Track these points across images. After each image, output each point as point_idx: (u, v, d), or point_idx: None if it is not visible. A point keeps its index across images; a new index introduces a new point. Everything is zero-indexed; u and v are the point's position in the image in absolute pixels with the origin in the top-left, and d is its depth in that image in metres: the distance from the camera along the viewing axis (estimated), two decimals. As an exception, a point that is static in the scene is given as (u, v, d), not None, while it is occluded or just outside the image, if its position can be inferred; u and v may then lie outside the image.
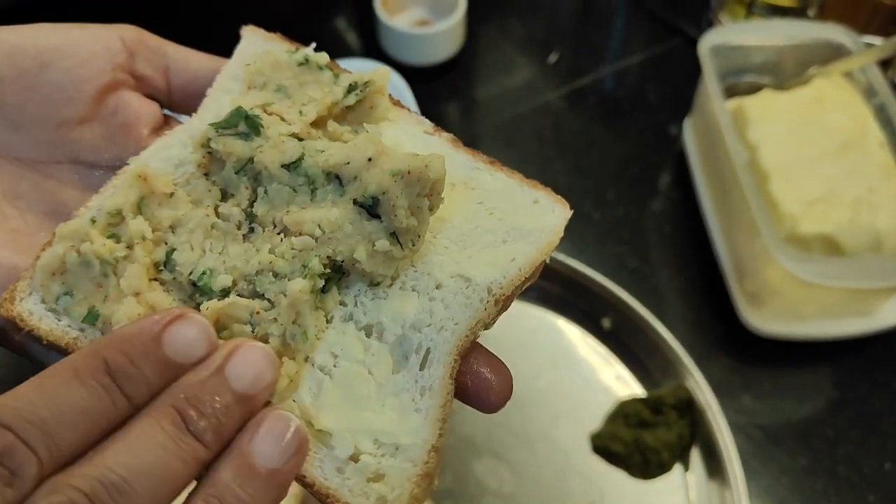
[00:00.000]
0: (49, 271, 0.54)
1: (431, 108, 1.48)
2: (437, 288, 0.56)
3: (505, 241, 0.59)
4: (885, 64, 1.35)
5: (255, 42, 0.69)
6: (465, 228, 0.60)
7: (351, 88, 0.63)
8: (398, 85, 1.37)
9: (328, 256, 0.55)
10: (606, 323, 1.19)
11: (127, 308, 0.52)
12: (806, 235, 1.09)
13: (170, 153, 0.60)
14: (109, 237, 0.54)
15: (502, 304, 0.57)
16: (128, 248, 0.54)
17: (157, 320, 0.45)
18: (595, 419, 1.12)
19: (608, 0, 1.68)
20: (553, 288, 1.22)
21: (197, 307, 0.54)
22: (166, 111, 0.67)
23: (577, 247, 1.31)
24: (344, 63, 1.38)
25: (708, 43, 1.26)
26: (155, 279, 0.55)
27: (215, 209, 0.58)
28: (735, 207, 1.20)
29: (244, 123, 0.58)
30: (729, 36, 1.29)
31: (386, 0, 1.51)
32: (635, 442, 1.08)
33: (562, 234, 0.60)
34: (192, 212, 0.57)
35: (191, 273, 0.55)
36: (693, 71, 1.42)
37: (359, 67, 1.38)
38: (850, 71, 1.24)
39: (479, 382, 0.57)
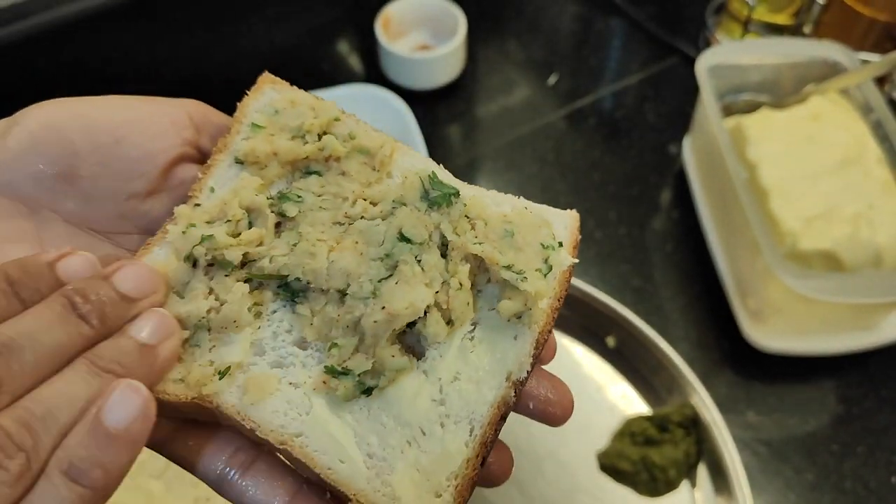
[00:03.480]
0: None
1: (433, 131, 1.50)
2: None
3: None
4: (881, 80, 1.36)
5: (269, 95, 0.68)
6: None
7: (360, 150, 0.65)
8: (400, 109, 1.39)
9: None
10: (611, 341, 1.20)
11: None
12: (806, 252, 1.10)
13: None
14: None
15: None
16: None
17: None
18: (601, 438, 1.13)
19: (606, 21, 1.71)
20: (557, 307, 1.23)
21: None
22: None
23: (581, 266, 1.32)
24: (346, 89, 1.41)
25: (705, 62, 1.27)
26: None
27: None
28: (736, 225, 1.21)
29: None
30: (726, 55, 1.30)
31: (387, 26, 1.53)
32: (642, 460, 1.08)
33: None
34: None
35: None
36: (691, 90, 1.44)
37: (361, 93, 1.41)
38: (847, 88, 1.25)
39: (541, 401, 0.63)
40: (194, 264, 0.58)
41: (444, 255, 0.61)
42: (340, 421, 0.57)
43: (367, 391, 0.58)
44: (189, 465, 0.59)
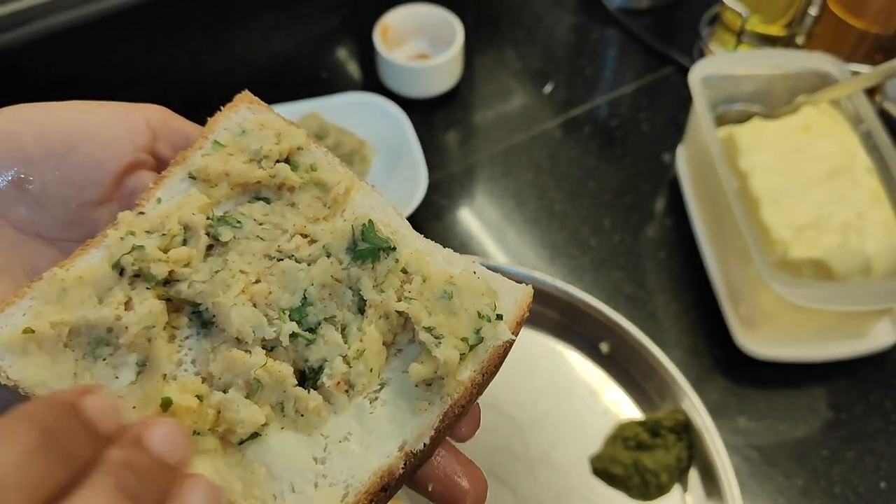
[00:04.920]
0: None
1: (430, 138, 1.52)
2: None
3: None
4: (871, 92, 1.38)
5: (242, 114, 0.66)
6: None
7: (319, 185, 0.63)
8: (398, 117, 1.40)
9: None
10: (605, 347, 1.21)
11: None
12: (797, 260, 1.12)
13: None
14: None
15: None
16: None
17: (65, 392, 0.44)
18: (594, 442, 1.15)
19: (601, 31, 1.73)
20: (551, 313, 1.24)
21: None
22: None
23: (575, 273, 1.34)
24: (344, 97, 1.43)
25: (698, 73, 1.29)
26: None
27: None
28: (727, 234, 1.23)
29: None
30: (719, 66, 1.32)
31: (385, 34, 1.55)
32: (634, 464, 1.10)
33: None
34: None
35: None
36: (685, 99, 1.46)
37: (359, 101, 1.43)
38: (838, 99, 1.27)
39: (456, 491, 0.59)
40: (121, 272, 0.56)
41: (362, 311, 0.58)
42: (209, 461, 0.53)
43: (240, 441, 0.55)
44: None
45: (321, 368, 0.57)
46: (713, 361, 1.24)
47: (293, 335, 0.56)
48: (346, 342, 0.58)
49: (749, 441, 1.17)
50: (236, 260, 0.59)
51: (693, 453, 1.11)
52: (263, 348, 0.56)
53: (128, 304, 0.55)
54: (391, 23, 1.56)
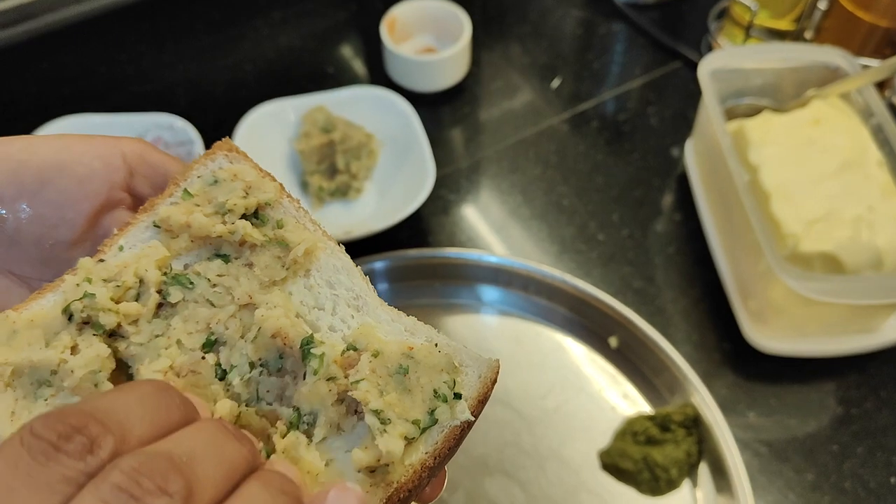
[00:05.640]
0: None
1: (437, 133, 1.51)
2: None
3: None
4: (881, 85, 1.38)
5: (219, 162, 0.64)
6: None
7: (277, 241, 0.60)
8: (405, 111, 1.40)
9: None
10: (613, 342, 1.21)
11: None
12: (808, 254, 1.12)
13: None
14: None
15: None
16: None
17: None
18: (604, 437, 1.14)
19: (609, 26, 1.72)
20: (561, 308, 1.24)
21: None
22: None
23: (583, 268, 1.33)
24: (352, 91, 1.43)
25: (707, 67, 1.29)
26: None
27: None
28: (737, 228, 1.22)
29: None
30: (728, 59, 1.32)
31: (392, 28, 1.55)
32: (644, 459, 1.09)
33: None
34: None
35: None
36: (693, 94, 1.45)
37: (367, 95, 1.43)
38: (848, 92, 1.27)
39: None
40: (70, 318, 0.54)
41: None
42: None
43: None
44: None
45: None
46: (722, 356, 1.24)
47: None
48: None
49: (759, 436, 1.17)
50: (178, 327, 0.57)
51: (703, 448, 1.11)
52: None
53: (74, 349, 0.54)
54: (398, 17, 1.56)
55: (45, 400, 0.53)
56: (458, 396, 0.54)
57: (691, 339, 1.26)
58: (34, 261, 0.60)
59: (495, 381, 0.56)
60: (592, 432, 1.15)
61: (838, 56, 1.29)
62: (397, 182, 1.37)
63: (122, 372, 0.56)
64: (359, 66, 1.66)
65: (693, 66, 1.52)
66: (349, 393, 0.53)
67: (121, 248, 0.59)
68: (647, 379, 1.19)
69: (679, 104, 1.57)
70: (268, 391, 0.56)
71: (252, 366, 0.56)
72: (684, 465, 1.09)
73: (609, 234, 1.39)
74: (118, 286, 0.56)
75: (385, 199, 1.38)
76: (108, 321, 0.54)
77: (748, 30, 1.49)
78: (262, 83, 1.62)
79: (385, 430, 0.51)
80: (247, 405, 0.55)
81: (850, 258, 1.11)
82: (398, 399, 0.53)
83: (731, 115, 1.33)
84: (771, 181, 1.18)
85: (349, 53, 1.69)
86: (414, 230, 1.37)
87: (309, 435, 0.54)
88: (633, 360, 1.20)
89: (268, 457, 0.53)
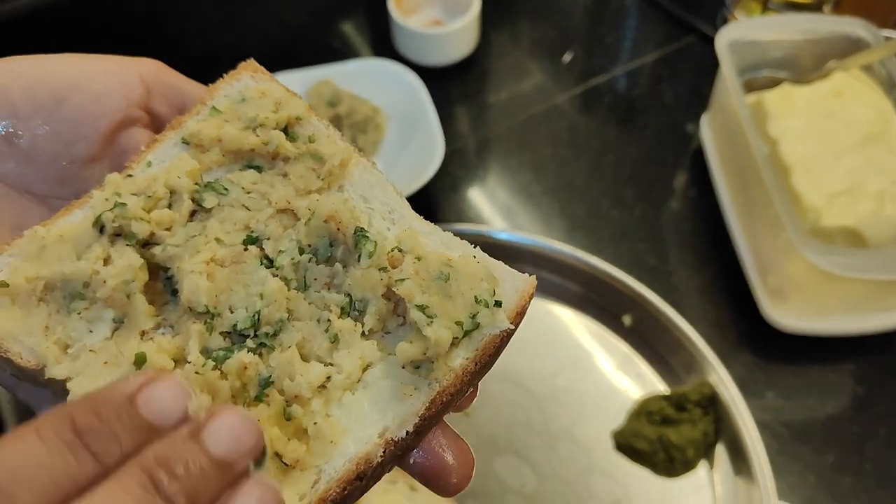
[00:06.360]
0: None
1: (445, 110, 1.48)
2: None
3: None
4: (903, 58, 1.34)
5: (245, 82, 0.64)
6: None
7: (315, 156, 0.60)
8: (413, 84, 1.37)
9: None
10: (627, 320, 1.17)
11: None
12: (829, 228, 1.08)
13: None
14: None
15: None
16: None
17: (133, 381, 0.41)
18: (617, 417, 1.11)
19: None
20: (573, 286, 1.21)
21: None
22: None
23: (596, 246, 1.30)
24: (360, 63, 1.39)
25: (725, 38, 1.25)
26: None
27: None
28: (756, 202, 1.19)
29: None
30: (746, 31, 1.28)
31: (400, 1, 1.51)
32: (659, 439, 1.06)
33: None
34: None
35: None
36: (708, 68, 1.42)
37: (375, 67, 1.39)
38: (870, 64, 1.23)
39: (440, 465, 0.54)
40: (101, 230, 0.55)
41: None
42: None
43: None
44: None
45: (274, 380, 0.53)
46: (739, 335, 1.20)
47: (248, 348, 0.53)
48: (316, 343, 0.54)
49: (778, 417, 1.13)
50: (215, 227, 0.57)
51: (720, 428, 1.07)
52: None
53: (106, 261, 0.54)
54: (406, -10, 1.52)
55: (79, 313, 0.53)
56: (498, 304, 0.54)
57: (708, 317, 1.22)
58: (51, 179, 0.60)
59: (532, 295, 0.56)
60: (605, 412, 1.12)
61: (860, 27, 1.25)
62: (404, 157, 1.34)
63: (156, 282, 0.56)
64: (365, 41, 1.63)
65: (708, 41, 1.48)
66: (393, 289, 0.53)
67: (149, 164, 0.59)
68: (662, 358, 1.15)
69: (693, 79, 1.53)
70: (315, 279, 0.56)
71: (301, 251, 0.56)
72: (701, 446, 1.06)
73: (622, 211, 1.35)
74: (149, 197, 0.56)
75: (391, 174, 1.34)
76: (141, 230, 0.54)
77: (766, 3, 1.45)
78: (267, 57, 1.57)
79: (431, 322, 0.51)
80: (296, 292, 0.56)
81: (873, 232, 1.07)
82: (440, 301, 0.53)
83: (748, 87, 1.29)
84: (791, 154, 1.15)
85: (355, 28, 1.65)
86: (422, 206, 1.32)
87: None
88: (647, 338, 1.16)
89: (331, 341, 0.54)
